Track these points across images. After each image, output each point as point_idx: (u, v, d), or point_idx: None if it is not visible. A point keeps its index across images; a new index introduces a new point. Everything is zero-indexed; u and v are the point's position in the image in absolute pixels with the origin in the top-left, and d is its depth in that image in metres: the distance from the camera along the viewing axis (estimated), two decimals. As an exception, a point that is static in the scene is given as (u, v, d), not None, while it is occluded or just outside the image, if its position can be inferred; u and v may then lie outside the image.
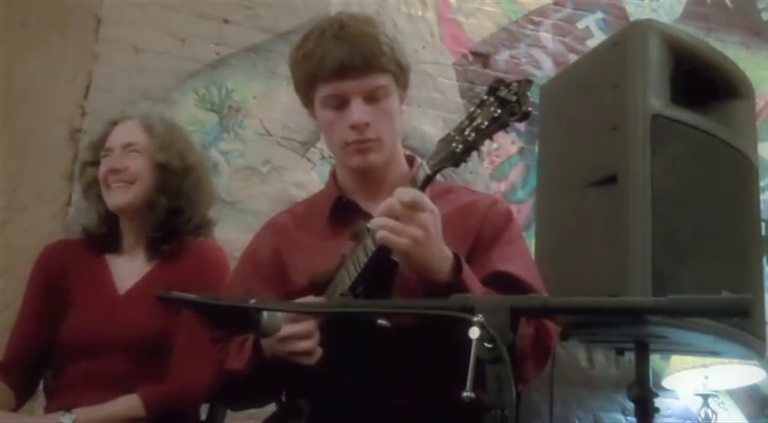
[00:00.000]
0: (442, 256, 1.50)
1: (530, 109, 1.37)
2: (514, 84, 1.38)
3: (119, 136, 2.17)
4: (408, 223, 1.45)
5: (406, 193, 1.46)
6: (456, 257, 1.52)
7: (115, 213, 2.17)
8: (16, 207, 2.83)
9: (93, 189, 2.21)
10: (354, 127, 1.68)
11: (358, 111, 1.68)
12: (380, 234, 1.46)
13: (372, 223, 1.49)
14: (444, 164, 1.45)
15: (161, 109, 2.94)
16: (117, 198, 2.12)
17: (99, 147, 2.20)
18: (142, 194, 2.12)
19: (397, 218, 1.46)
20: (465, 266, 1.52)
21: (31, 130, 2.89)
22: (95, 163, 2.20)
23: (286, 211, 1.96)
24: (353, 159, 1.72)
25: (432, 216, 1.47)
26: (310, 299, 1.58)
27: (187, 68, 3.10)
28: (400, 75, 1.75)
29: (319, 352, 1.52)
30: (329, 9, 3.20)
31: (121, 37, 3.04)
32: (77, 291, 2.13)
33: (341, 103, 1.70)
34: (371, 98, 1.70)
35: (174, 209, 2.14)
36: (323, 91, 1.71)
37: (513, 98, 1.37)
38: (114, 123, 2.22)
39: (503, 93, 1.38)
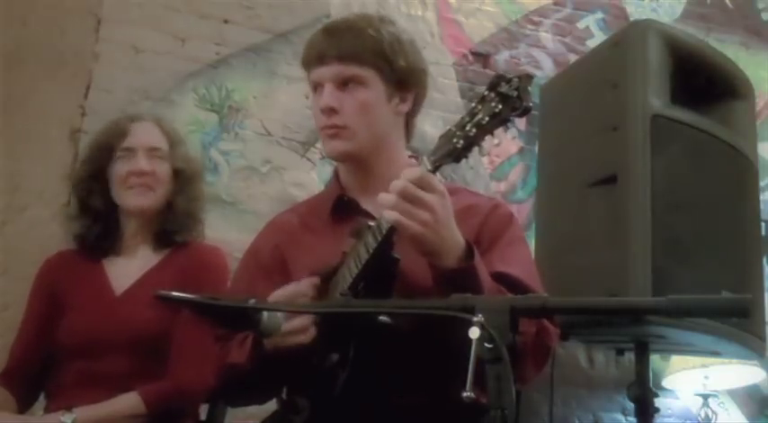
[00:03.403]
0: (452, 240, 1.49)
1: (531, 104, 1.37)
2: (515, 79, 1.38)
3: (140, 138, 2.18)
4: (417, 206, 1.44)
5: (413, 172, 1.46)
6: (468, 244, 1.51)
7: (127, 212, 2.18)
8: (16, 207, 2.83)
9: (90, 183, 2.19)
10: (324, 111, 1.73)
11: (326, 95, 1.72)
12: (392, 215, 1.45)
13: (382, 200, 1.46)
14: (445, 159, 1.44)
15: (161, 109, 2.94)
16: (139, 200, 2.15)
17: (114, 143, 2.18)
18: (163, 199, 2.17)
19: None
20: (477, 255, 1.51)
21: (31, 130, 2.89)
22: (104, 157, 2.18)
23: (288, 211, 1.97)
24: (325, 146, 1.77)
25: (440, 199, 1.45)
26: (307, 281, 1.58)
27: (187, 68, 3.10)
28: (389, 72, 1.74)
29: (313, 330, 1.52)
30: (329, 9, 3.21)
31: (121, 37, 3.05)
32: (73, 295, 2.14)
33: (318, 89, 1.76)
34: (344, 85, 1.73)
35: (186, 211, 2.20)
36: (310, 78, 1.79)
37: (514, 93, 1.37)
38: (131, 120, 2.23)
39: (504, 88, 1.38)
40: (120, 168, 2.15)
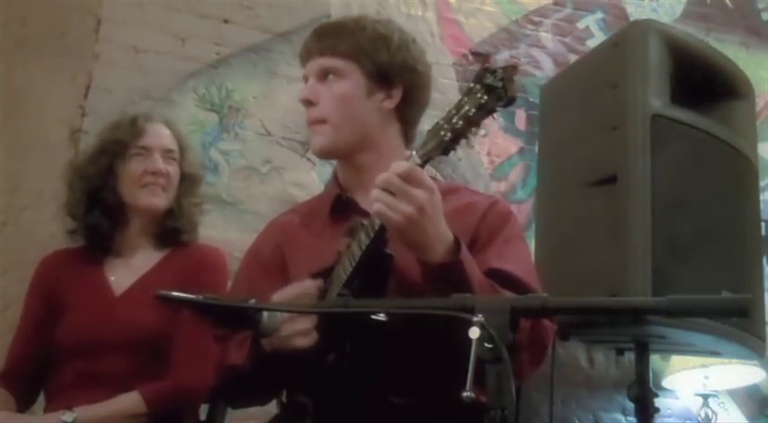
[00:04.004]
0: (437, 235, 1.48)
1: (516, 94, 1.39)
2: (500, 70, 1.39)
3: (156, 139, 2.20)
4: (402, 199, 1.44)
5: (401, 165, 1.46)
6: (456, 240, 1.51)
7: (136, 211, 2.18)
8: (16, 207, 2.83)
9: (102, 178, 2.18)
10: (303, 104, 1.77)
11: (306, 87, 1.78)
12: (374, 207, 1.46)
13: (372, 195, 1.48)
14: (434, 152, 1.45)
15: (161, 109, 2.94)
16: (152, 200, 2.17)
17: (129, 140, 2.19)
18: (171, 200, 2.19)
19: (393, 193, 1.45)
20: (464, 249, 1.51)
21: (31, 130, 2.89)
22: (117, 153, 2.18)
23: (289, 211, 1.98)
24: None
25: (427, 194, 1.45)
26: (312, 282, 1.59)
27: (187, 68, 3.10)
28: (370, 65, 1.75)
29: (315, 334, 1.52)
30: (329, 9, 3.21)
31: (121, 37, 3.05)
32: (72, 295, 2.15)
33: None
34: (324, 78, 1.76)
35: (190, 213, 2.25)
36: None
37: (499, 84, 1.37)
38: (146, 120, 2.24)
39: (489, 79, 1.38)
40: (135, 166, 2.17)
